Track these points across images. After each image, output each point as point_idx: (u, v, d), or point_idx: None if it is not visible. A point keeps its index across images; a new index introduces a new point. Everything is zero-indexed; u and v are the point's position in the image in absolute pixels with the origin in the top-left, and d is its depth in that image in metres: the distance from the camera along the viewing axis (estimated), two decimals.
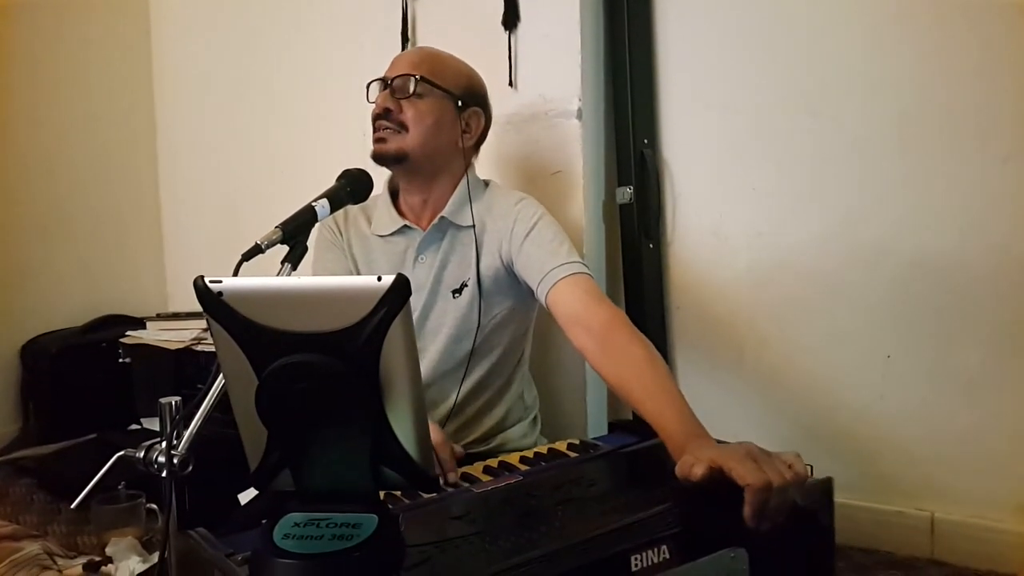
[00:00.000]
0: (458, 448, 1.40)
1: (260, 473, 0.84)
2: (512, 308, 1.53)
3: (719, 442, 1.07)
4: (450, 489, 1.13)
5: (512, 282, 1.49)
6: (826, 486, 1.02)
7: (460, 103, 1.49)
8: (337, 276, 1.37)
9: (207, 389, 0.96)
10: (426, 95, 1.46)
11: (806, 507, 0.98)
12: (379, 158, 1.47)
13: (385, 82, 1.49)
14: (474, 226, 1.49)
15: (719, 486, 0.94)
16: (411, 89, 1.45)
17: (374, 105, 1.49)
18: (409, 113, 1.45)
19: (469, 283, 1.49)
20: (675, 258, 1.87)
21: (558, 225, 1.47)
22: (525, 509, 1.04)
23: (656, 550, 0.88)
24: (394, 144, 1.45)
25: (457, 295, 1.50)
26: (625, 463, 1.25)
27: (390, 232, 1.53)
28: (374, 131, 1.48)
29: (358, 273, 1.54)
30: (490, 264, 1.48)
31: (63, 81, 2.74)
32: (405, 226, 1.52)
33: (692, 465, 0.98)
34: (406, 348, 0.76)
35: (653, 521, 0.93)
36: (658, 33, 1.85)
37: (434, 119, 1.46)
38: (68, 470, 2.17)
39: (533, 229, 1.44)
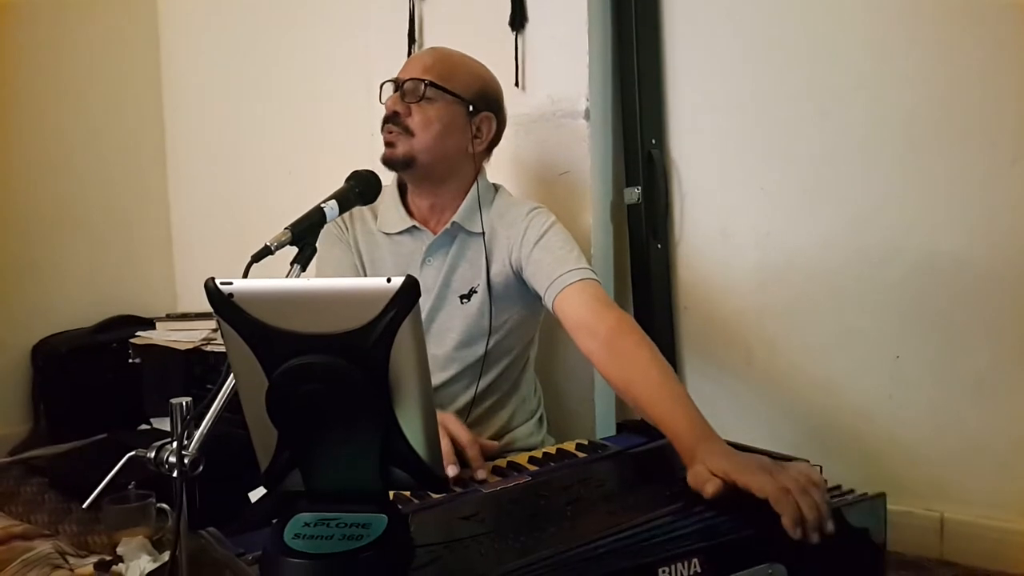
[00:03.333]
0: (492, 442, 1.40)
1: (270, 473, 0.84)
2: (520, 314, 1.53)
3: (729, 444, 1.07)
4: (459, 489, 1.13)
5: (521, 289, 1.49)
6: (878, 502, 0.98)
7: (471, 108, 1.48)
8: (346, 277, 1.37)
9: (217, 389, 0.96)
10: (436, 100, 1.45)
11: (855, 523, 0.94)
12: (388, 162, 1.47)
13: (396, 84, 1.48)
14: (484, 232, 1.49)
15: (743, 498, 0.93)
16: (420, 93, 1.44)
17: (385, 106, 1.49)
18: (417, 118, 1.44)
19: (479, 289, 1.49)
20: (683, 258, 1.87)
21: (568, 234, 1.47)
22: (534, 509, 1.04)
23: (687, 563, 0.86)
24: (401, 149, 1.45)
25: (466, 300, 1.50)
26: (634, 463, 1.25)
27: (398, 231, 1.53)
28: (383, 133, 1.47)
29: (364, 269, 1.54)
30: (500, 271, 1.48)
31: (72, 82, 2.75)
32: (414, 227, 1.52)
33: (705, 482, 0.97)
34: (415, 349, 0.76)
35: (683, 531, 0.91)
36: (666, 33, 1.85)
37: (442, 125, 1.45)
38: (79, 470, 2.19)
39: (544, 236, 1.44)
